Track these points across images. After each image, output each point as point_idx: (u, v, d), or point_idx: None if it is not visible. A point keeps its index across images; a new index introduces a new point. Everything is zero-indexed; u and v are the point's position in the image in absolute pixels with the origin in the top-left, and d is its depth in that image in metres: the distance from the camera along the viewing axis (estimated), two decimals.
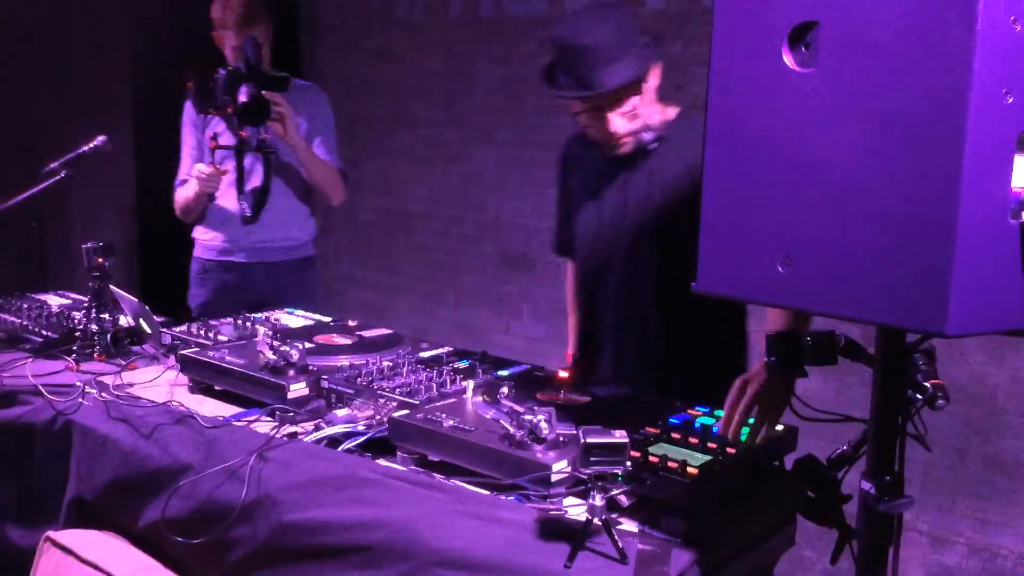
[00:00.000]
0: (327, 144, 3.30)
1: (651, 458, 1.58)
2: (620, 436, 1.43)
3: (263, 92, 2.73)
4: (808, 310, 1.21)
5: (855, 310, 1.15)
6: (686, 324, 2.25)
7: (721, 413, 1.76)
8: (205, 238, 3.38)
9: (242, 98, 2.68)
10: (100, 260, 2.52)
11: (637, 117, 2.18)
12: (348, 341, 2.37)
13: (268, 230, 3.22)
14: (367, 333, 2.44)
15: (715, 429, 1.73)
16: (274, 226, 3.22)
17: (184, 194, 3.26)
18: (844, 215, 1.14)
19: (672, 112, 2.30)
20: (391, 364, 2.10)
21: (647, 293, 2.28)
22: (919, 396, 1.52)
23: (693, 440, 1.68)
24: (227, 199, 3.22)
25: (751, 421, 1.72)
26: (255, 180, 2.98)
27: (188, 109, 3.31)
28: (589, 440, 1.41)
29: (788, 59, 1.19)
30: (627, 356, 2.34)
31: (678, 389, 2.04)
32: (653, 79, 2.19)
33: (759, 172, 1.23)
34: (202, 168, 3.04)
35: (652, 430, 1.72)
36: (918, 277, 1.08)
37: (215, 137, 2.95)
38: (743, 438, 1.68)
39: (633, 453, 1.55)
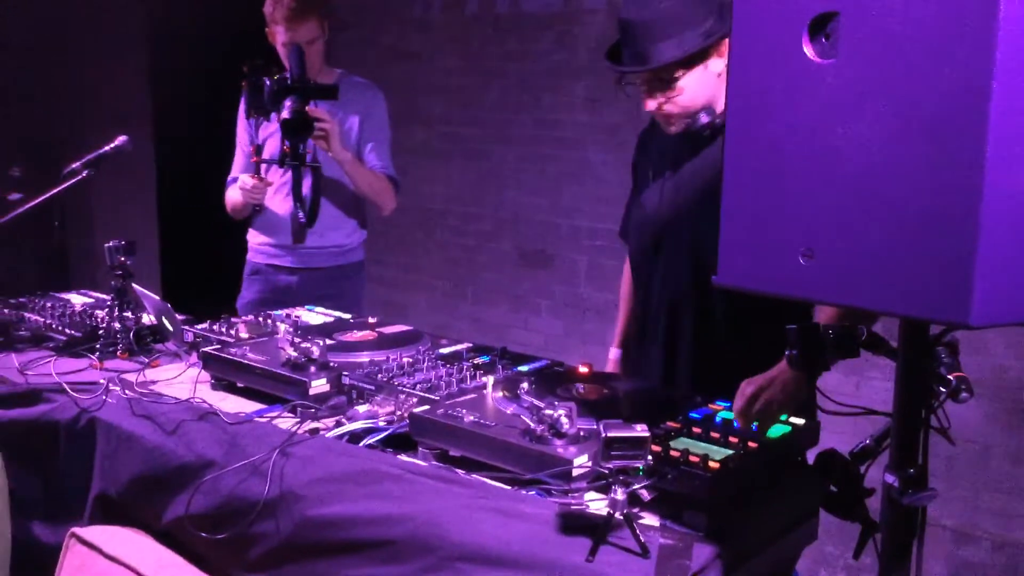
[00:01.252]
0: (379, 149, 3.22)
1: (672, 452, 1.58)
2: (641, 430, 1.42)
3: (308, 108, 2.72)
4: (830, 302, 1.20)
5: (877, 302, 1.14)
6: (725, 312, 2.16)
7: None
8: (256, 241, 3.39)
9: (284, 114, 2.68)
10: (123, 259, 2.53)
11: (681, 96, 2.08)
12: (368, 338, 2.37)
13: (317, 237, 3.20)
14: (387, 330, 2.45)
15: (736, 424, 1.73)
16: (323, 233, 3.19)
17: (233, 196, 3.26)
18: (865, 206, 1.14)
19: None
20: (411, 360, 2.11)
21: (685, 278, 2.21)
22: (942, 389, 1.51)
23: (714, 434, 1.67)
24: (277, 204, 3.21)
25: None
26: (305, 189, 2.99)
27: (243, 106, 3.28)
28: (610, 434, 1.41)
29: (808, 50, 1.18)
30: (668, 342, 2.26)
31: (714, 383, 1.95)
32: (716, 58, 2.07)
33: (779, 164, 1.23)
34: (246, 180, 3.03)
35: (673, 425, 1.72)
36: (941, 268, 1.07)
37: (259, 150, 2.95)
38: (767, 434, 1.67)
39: (654, 447, 1.55)
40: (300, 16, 3.03)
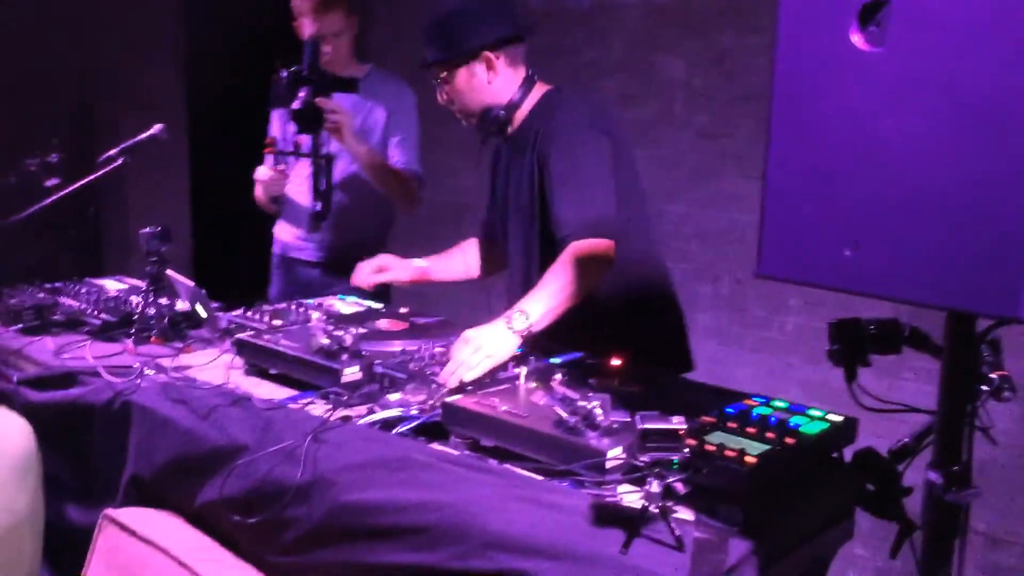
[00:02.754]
0: (405, 144, 3.18)
1: (707, 446, 1.56)
2: (678, 422, 1.41)
3: (320, 100, 2.71)
4: (876, 295, 1.18)
5: (926, 295, 1.12)
6: None
7: (781, 404, 1.74)
8: (280, 233, 3.39)
9: (295, 104, 2.68)
10: (158, 245, 2.55)
11: (454, 94, 2.39)
12: (400, 327, 2.38)
13: (339, 230, 3.20)
14: (419, 319, 2.45)
15: (773, 419, 1.71)
16: (344, 226, 3.18)
17: (257, 189, 3.27)
18: (914, 198, 1.12)
19: (539, 92, 2.43)
20: (443, 350, 2.10)
21: (535, 255, 2.40)
22: (984, 387, 1.49)
23: (750, 429, 1.65)
24: (300, 196, 3.20)
25: (812, 412, 1.70)
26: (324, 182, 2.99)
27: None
28: (647, 426, 1.41)
29: (857, 39, 1.16)
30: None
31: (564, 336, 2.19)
32: (479, 68, 2.35)
33: (825, 155, 1.21)
34: (263, 172, 3.04)
35: (708, 419, 1.70)
36: (991, 261, 1.06)
37: (273, 142, 2.94)
38: (804, 429, 1.65)
39: (689, 441, 1.54)
40: (325, 8, 3.04)
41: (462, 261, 2.83)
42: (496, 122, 2.41)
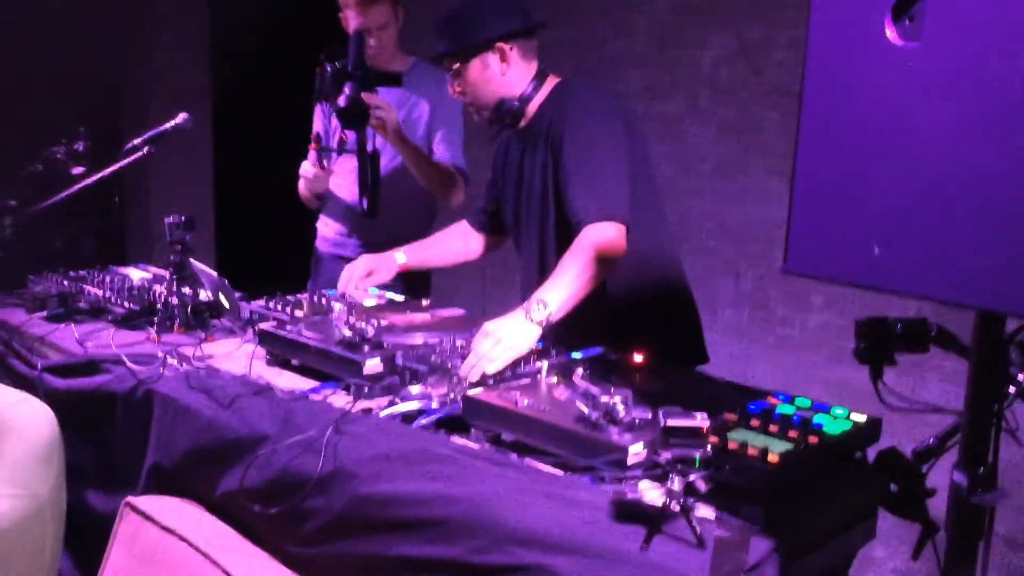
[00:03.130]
0: (449, 139, 3.14)
1: (730, 444, 1.55)
2: (701, 419, 1.40)
3: (365, 95, 2.69)
4: (906, 294, 1.16)
5: (957, 294, 1.10)
6: None
7: (804, 402, 1.73)
8: (324, 230, 3.39)
9: (340, 101, 2.67)
10: (182, 234, 2.56)
11: (466, 87, 2.39)
12: (422, 320, 2.37)
13: (381, 226, 3.11)
14: (441, 312, 2.45)
15: (796, 418, 1.69)
16: (387, 223, 3.07)
17: (301, 185, 3.24)
18: (947, 195, 1.10)
19: (551, 83, 2.44)
20: (464, 344, 2.10)
21: (551, 245, 2.40)
22: (1011, 389, 1.47)
23: (773, 428, 1.64)
24: (344, 192, 3.19)
25: (836, 411, 1.68)
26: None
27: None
28: (670, 422, 1.40)
29: (891, 33, 1.14)
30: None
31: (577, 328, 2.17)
32: (492, 59, 2.35)
33: (856, 151, 1.19)
34: (308, 168, 3.02)
35: (730, 416, 1.69)
36: (1023, 260, 1.04)
37: (318, 138, 2.93)
38: (827, 428, 1.64)
39: (712, 439, 1.53)
40: (371, 1, 3.01)
41: (458, 245, 2.85)
42: (510, 113, 2.41)
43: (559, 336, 2.17)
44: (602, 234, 2.16)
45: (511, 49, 2.35)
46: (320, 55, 2.72)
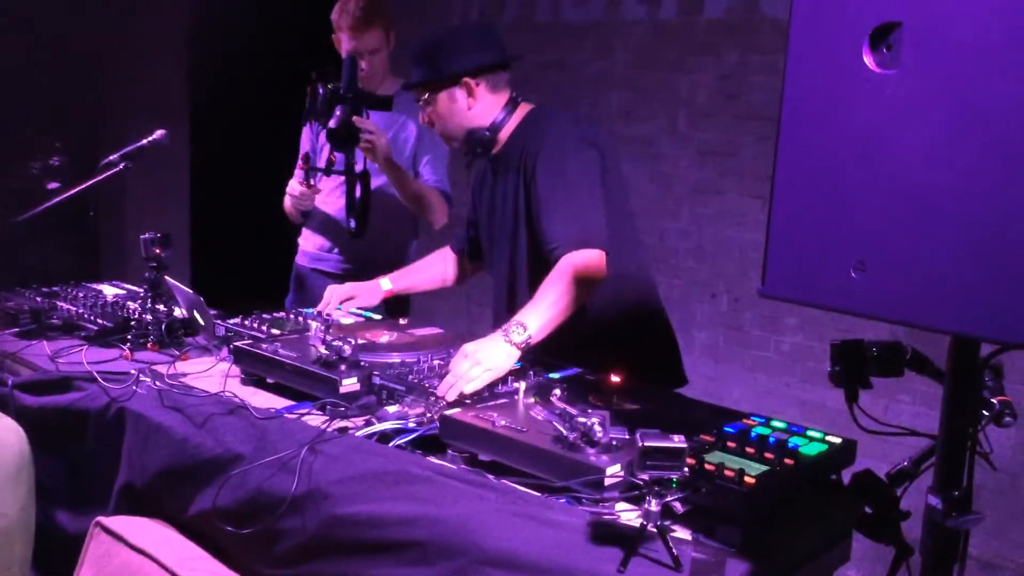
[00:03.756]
0: (435, 163, 3.18)
1: (707, 466, 1.55)
2: (679, 441, 1.40)
3: (356, 119, 2.72)
4: (881, 318, 1.17)
5: (932, 319, 1.11)
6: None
7: (780, 424, 1.73)
8: (305, 245, 3.38)
9: (331, 124, 2.69)
10: (157, 251, 2.54)
11: (436, 118, 2.44)
12: (400, 339, 2.37)
13: (363, 244, 3.15)
14: (418, 331, 2.44)
15: (772, 439, 1.70)
16: (372, 241, 3.13)
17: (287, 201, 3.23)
18: (922, 220, 1.11)
19: (523, 111, 2.45)
20: (442, 363, 2.09)
21: (521, 272, 2.42)
22: (985, 412, 1.48)
23: (749, 449, 1.65)
24: (327, 207, 3.19)
25: (811, 433, 1.69)
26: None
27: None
28: (647, 444, 1.39)
29: (868, 60, 1.16)
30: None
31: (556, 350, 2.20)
32: (460, 94, 2.39)
33: (833, 175, 1.20)
34: (295, 187, 3.02)
35: (707, 438, 1.69)
36: (1000, 286, 1.05)
37: (307, 158, 2.94)
38: (803, 450, 1.64)
39: (688, 460, 1.53)
40: (365, 25, 3.05)
41: (441, 271, 2.87)
42: (481, 143, 2.43)
43: (537, 358, 2.17)
44: (581, 258, 2.17)
45: (477, 85, 2.38)
46: (312, 74, 2.73)
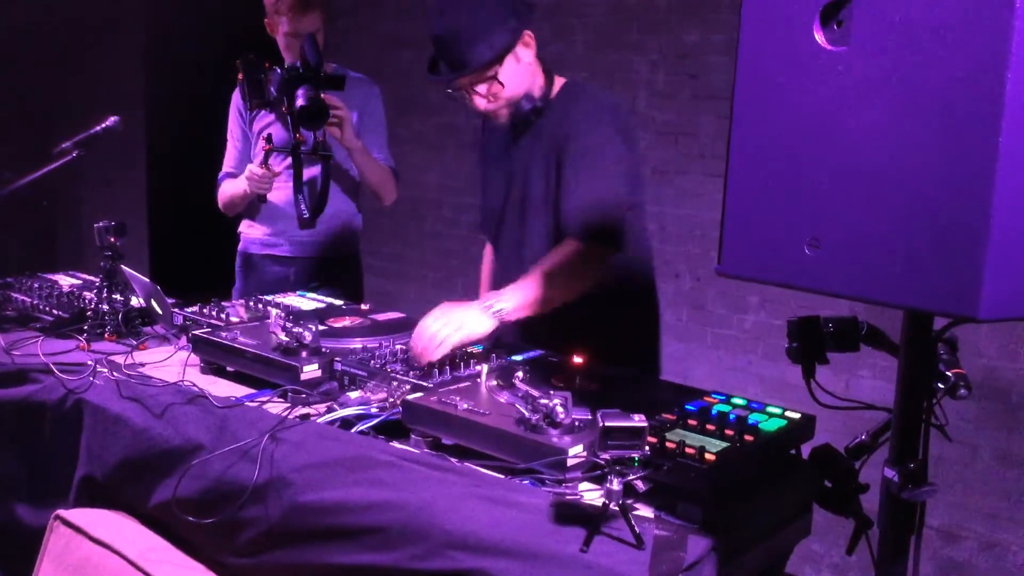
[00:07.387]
0: (378, 142, 3.20)
1: (668, 444, 1.56)
2: (639, 420, 1.41)
3: (323, 94, 2.68)
4: (835, 294, 1.18)
5: (884, 294, 1.13)
6: None
7: (740, 401, 1.75)
8: (250, 232, 3.35)
9: (300, 102, 2.62)
10: (112, 240, 2.50)
11: (503, 89, 2.28)
12: (361, 324, 2.35)
13: (317, 226, 3.09)
14: (380, 316, 2.43)
15: (732, 416, 1.72)
16: (322, 223, 3.08)
17: (230, 190, 3.20)
18: (874, 196, 1.12)
19: (560, 82, 2.40)
20: (404, 347, 2.09)
21: (538, 251, 2.34)
22: (941, 385, 1.50)
23: (710, 427, 1.66)
24: (277, 195, 3.16)
25: (771, 409, 1.70)
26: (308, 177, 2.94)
27: (236, 99, 3.25)
28: (608, 423, 1.39)
29: (819, 37, 1.17)
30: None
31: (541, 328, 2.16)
32: (523, 49, 2.27)
33: (786, 153, 1.21)
34: (254, 170, 2.97)
35: (668, 416, 1.70)
36: (950, 260, 1.06)
37: (269, 139, 2.89)
38: (763, 426, 1.66)
39: (649, 439, 1.54)
40: (304, 7, 3.01)
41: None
42: (536, 111, 2.35)
43: (516, 336, 2.16)
44: (589, 254, 2.17)
45: (531, 36, 2.29)
46: (237, 62, 2.67)
